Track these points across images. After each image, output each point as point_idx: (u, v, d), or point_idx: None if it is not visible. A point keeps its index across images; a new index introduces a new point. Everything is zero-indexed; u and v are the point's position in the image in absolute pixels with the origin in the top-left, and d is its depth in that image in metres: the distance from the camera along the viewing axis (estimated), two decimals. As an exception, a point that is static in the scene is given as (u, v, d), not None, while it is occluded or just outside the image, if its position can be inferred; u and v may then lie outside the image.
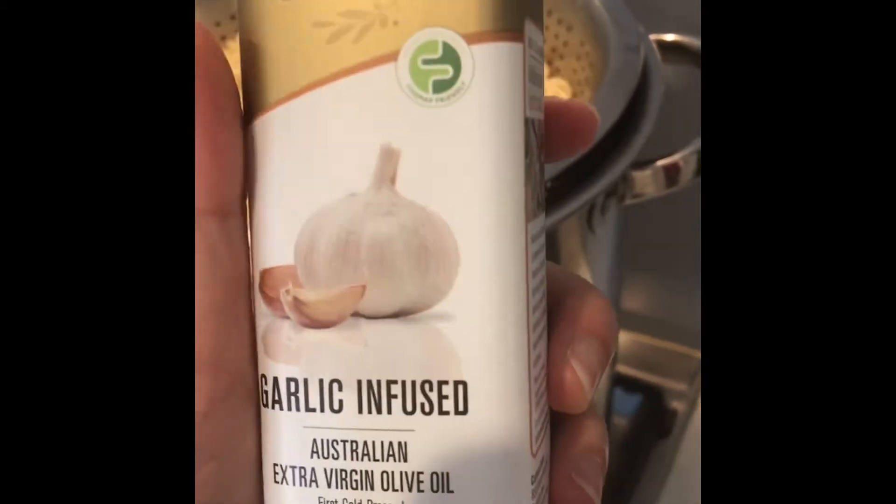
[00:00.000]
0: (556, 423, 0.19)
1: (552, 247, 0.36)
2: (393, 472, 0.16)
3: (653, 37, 0.42)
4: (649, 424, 0.60)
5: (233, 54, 0.44)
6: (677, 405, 0.62)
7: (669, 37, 0.42)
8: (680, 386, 0.62)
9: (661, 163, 0.36)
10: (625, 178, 0.36)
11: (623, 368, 0.64)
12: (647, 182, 0.36)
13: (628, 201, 0.37)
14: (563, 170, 0.32)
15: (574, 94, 0.44)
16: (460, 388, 0.16)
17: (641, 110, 0.37)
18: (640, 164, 0.36)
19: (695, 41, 0.41)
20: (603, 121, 0.34)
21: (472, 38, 0.16)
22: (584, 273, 0.38)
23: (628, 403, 0.62)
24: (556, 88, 0.43)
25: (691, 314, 0.66)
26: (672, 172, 0.36)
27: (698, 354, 0.65)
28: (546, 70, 0.45)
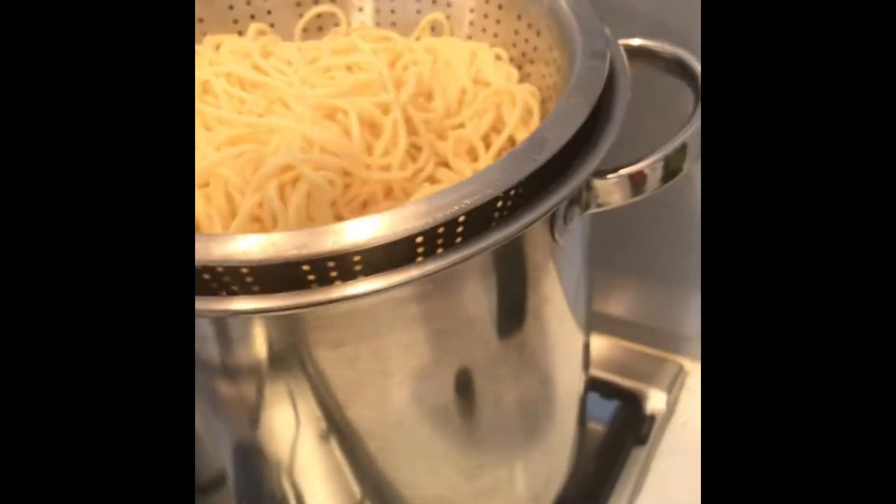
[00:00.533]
0: None
1: (517, 256, 0.35)
2: None
3: (621, 41, 0.41)
4: (626, 430, 0.60)
5: (198, 58, 0.43)
6: (655, 411, 0.61)
7: (636, 41, 0.41)
8: (658, 391, 0.62)
9: (625, 171, 0.35)
10: (588, 187, 0.36)
11: (600, 373, 0.63)
12: (611, 190, 0.36)
13: (593, 210, 0.36)
14: (525, 177, 0.32)
15: (543, 101, 0.43)
16: None
17: (606, 117, 0.36)
18: (604, 172, 0.36)
19: (663, 46, 0.41)
20: (565, 128, 0.33)
21: None
22: (553, 281, 0.38)
23: (605, 409, 0.61)
24: (526, 95, 0.42)
25: (670, 318, 0.65)
26: (638, 180, 0.36)
27: (677, 359, 0.65)
28: (516, 75, 0.45)
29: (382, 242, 0.30)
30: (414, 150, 0.41)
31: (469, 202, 0.31)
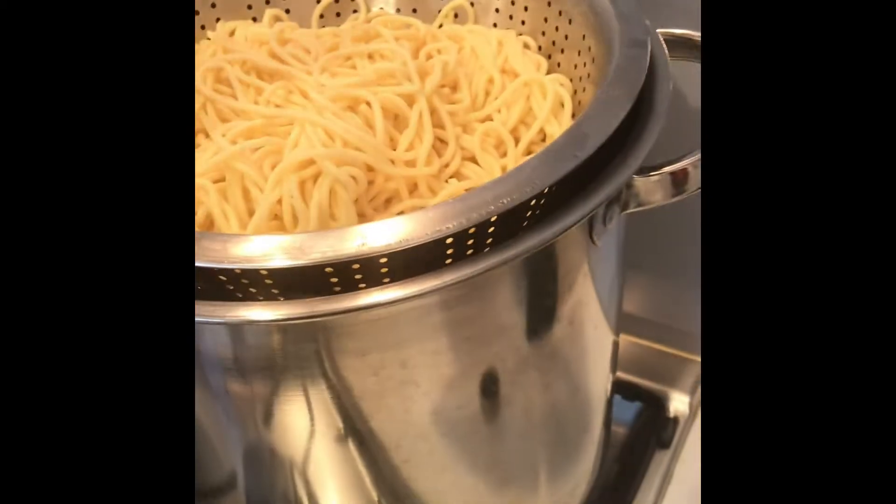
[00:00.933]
0: None
1: (552, 259, 0.33)
2: None
3: (660, 31, 0.39)
4: (649, 433, 0.58)
5: (211, 45, 0.41)
6: (678, 413, 0.59)
7: (678, 31, 0.39)
8: (681, 394, 0.60)
9: (668, 169, 0.33)
10: (629, 185, 0.33)
11: (621, 374, 0.61)
12: (653, 189, 0.33)
13: (632, 209, 0.34)
14: (562, 178, 0.29)
15: (575, 92, 0.41)
16: None
17: (648, 111, 0.34)
18: (645, 169, 0.33)
19: (705, 36, 0.39)
20: (606, 123, 0.31)
21: None
22: (588, 284, 0.36)
23: (627, 411, 0.59)
24: (557, 86, 0.40)
25: (693, 318, 0.63)
26: (680, 179, 0.34)
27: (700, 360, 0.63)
28: (545, 65, 0.43)
29: (414, 245, 0.28)
30: (439, 144, 0.39)
31: (507, 201, 0.29)
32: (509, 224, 0.30)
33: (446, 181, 0.38)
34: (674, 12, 0.41)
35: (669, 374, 0.61)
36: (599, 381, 0.43)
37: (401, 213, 0.37)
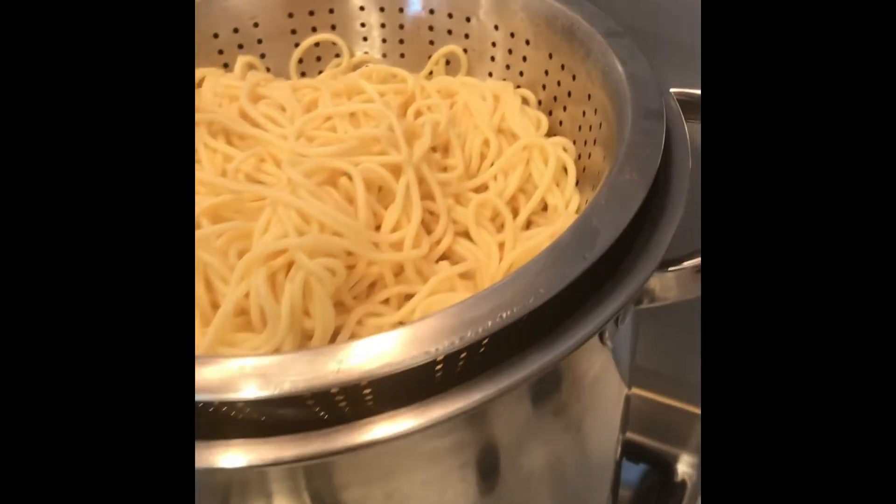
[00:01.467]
0: None
1: (555, 375, 0.29)
2: None
3: (675, 90, 0.35)
4: (655, 499, 0.54)
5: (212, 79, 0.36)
6: (686, 477, 0.56)
7: (696, 91, 0.35)
8: (689, 455, 0.56)
9: (689, 263, 0.29)
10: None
11: (627, 433, 0.57)
12: (670, 286, 0.30)
13: (645, 305, 0.30)
14: (570, 283, 0.26)
15: (579, 156, 0.37)
16: None
17: (664, 195, 0.30)
18: (663, 263, 0.29)
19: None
20: (621, 213, 0.27)
21: None
22: (600, 386, 0.32)
23: (632, 473, 0.56)
24: (560, 151, 0.36)
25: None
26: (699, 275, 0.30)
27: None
28: (545, 123, 0.39)
29: (399, 370, 0.24)
30: (428, 217, 0.35)
31: (506, 315, 0.25)
32: (507, 337, 0.26)
33: (437, 261, 0.34)
34: (687, 67, 0.37)
35: (677, 431, 0.58)
36: (605, 464, 0.39)
37: (386, 300, 0.33)
